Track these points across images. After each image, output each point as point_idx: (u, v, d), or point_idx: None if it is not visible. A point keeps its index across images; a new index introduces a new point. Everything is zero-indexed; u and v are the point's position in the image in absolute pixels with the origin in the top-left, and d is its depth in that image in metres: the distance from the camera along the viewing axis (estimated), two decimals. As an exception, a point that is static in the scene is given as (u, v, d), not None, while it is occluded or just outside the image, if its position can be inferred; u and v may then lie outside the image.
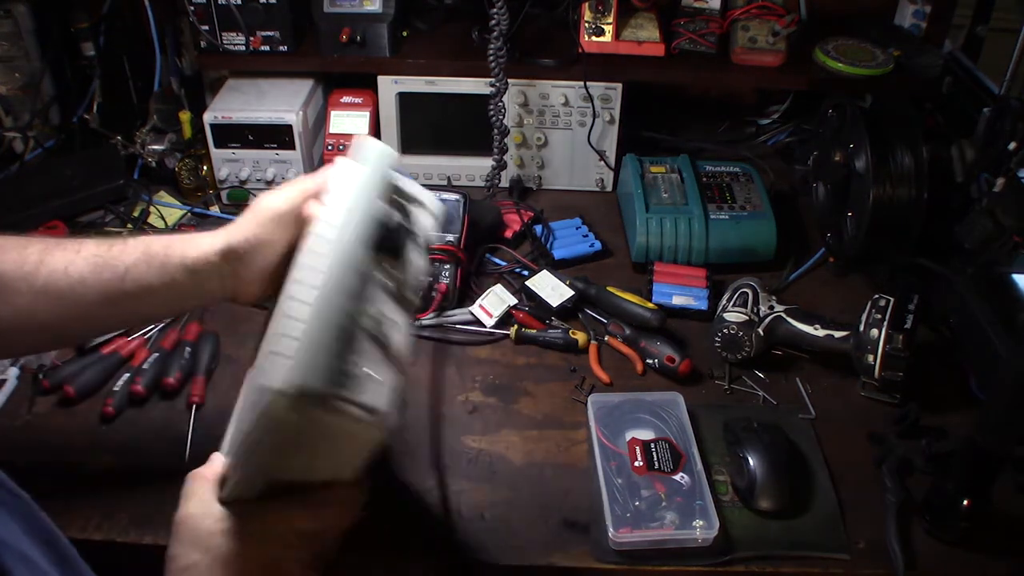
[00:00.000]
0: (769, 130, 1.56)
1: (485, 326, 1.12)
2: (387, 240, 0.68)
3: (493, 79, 1.26)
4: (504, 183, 1.40)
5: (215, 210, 1.34)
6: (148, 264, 0.73)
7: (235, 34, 1.32)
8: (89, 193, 1.29)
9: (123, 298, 0.73)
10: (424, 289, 1.14)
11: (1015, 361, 0.75)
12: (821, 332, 1.04)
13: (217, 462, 0.66)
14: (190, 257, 0.73)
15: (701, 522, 0.85)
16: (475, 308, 1.14)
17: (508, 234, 1.28)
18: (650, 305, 1.11)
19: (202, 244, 0.74)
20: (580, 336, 1.09)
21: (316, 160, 1.40)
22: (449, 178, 1.41)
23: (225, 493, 0.63)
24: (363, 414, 0.58)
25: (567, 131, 1.37)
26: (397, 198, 0.73)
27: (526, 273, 1.20)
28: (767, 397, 1.04)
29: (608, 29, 1.34)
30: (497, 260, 1.25)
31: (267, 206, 0.73)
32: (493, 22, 1.22)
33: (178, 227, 1.29)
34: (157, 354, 1.03)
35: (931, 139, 1.11)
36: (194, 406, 0.98)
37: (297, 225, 0.70)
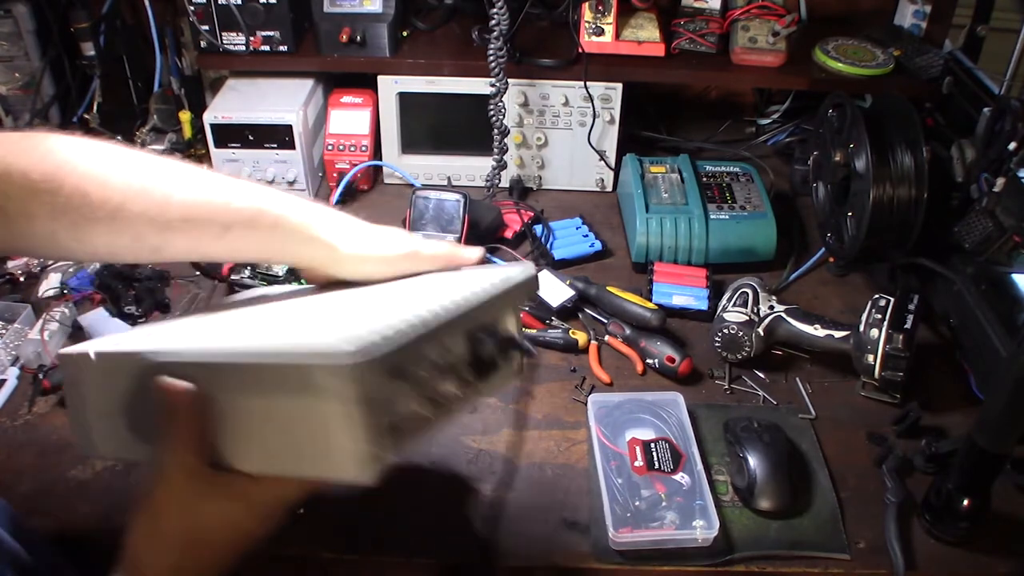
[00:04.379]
0: (769, 130, 1.56)
1: (485, 326, 1.12)
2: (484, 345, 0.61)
3: (493, 79, 1.26)
4: (504, 183, 1.40)
5: (215, 210, 1.34)
6: (251, 232, 0.65)
7: (235, 34, 1.32)
8: (89, 193, 1.29)
9: (215, 247, 0.65)
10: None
11: (1015, 361, 0.75)
12: (821, 332, 1.04)
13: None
14: (291, 250, 0.67)
15: (701, 522, 0.85)
16: (475, 308, 1.13)
17: (508, 234, 1.28)
18: (650, 305, 1.11)
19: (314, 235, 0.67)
20: (580, 336, 1.09)
21: (316, 160, 1.40)
22: (449, 178, 1.41)
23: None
24: (372, 435, 0.50)
25: (567, 131, 1.37)
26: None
27: (526, 273, 1.20)
28: (767, 397, 1.04)
29: (608, 29, 1.34)
30: (497, 260, 1.25)
31: (410, 243, 0.68)
32: (493, 22, 1.22)
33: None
34: (157, 354, 1.03)
35: (931, 139, 1.11)
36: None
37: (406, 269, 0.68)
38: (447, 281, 0.65)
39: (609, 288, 1.14)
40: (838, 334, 1.03)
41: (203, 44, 1.34)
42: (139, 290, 1.13)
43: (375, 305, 0.61)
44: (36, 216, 0.58)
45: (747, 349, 1.05)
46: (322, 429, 0.50)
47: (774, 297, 1.09)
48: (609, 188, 1.42)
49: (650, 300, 1.13)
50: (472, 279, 0.63)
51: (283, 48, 1.35)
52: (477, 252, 0.72)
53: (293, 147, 1.31)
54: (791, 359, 1.09)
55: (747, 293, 1.08)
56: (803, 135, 1.49)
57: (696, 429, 0.95)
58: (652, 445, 0.92)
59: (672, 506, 0.86)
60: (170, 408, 0.56)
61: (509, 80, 1.28)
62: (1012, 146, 1.06)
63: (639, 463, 0.90)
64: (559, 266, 1.23)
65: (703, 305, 1.13)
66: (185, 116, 1.36)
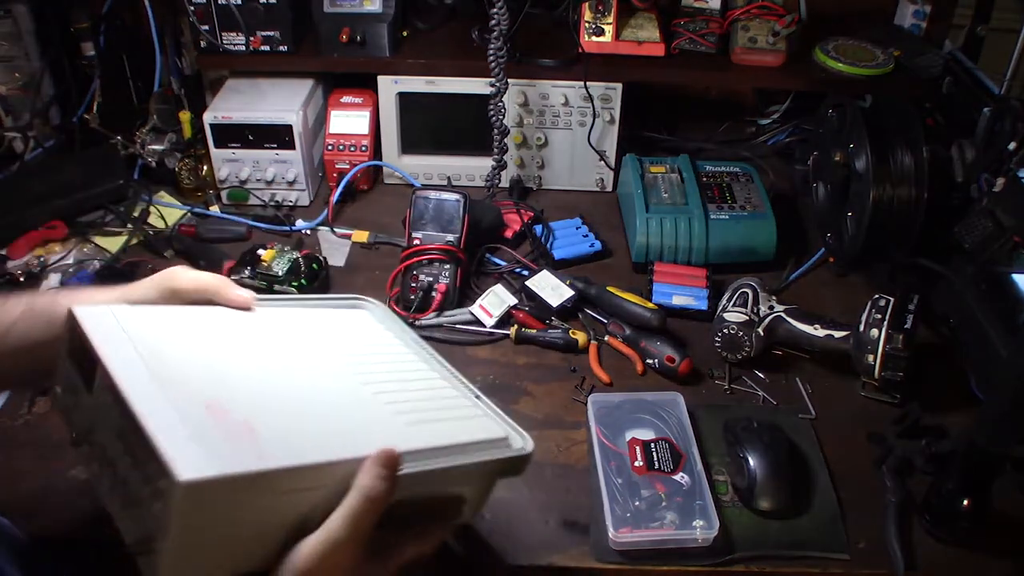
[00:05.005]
0: (769, 130, 1.56)
1: (485, 326, 1.12)
2: None
3: (493, 79, 1.26)
4: (504, 183, 1.40)
5: (215, 210, 1.34)
6: (33, 319, 0.72)
7: (235, 34, 1.32)
8: (89, 193, 1.29)
9: (8, 355, 0.71)
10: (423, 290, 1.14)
11: (1015, 361, 0.75)
12: (821, 332, 1.04)
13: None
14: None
15: (701, 522, 0.85)
16: (475, 308, 1.14)
17: (508, 234, 1.28)
18: (650, 305, 1.11)
19: (96, 298, 0.73)
20: (580, 336, 1.09)
21: (316, 160, 1.40)
22: (449, 178, 1.41)
23: None
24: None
25: (567, 131, 1.37)
26: None
27: (526, 273, 1.20)
28: (767, 397, 1.04)
29: (608, 29, 1.34)
30: (497, 260, 1.25)
31: (173, 278, 0.74)
32: (493, 22, 1.22)
33: (178, 227, 1.29)
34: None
35: (931, 139, 1.11)
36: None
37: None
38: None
39: (609, 288, 1.14)
40: (838, 334, 1.03)
41: (203, 44, 1.34)
42: (139, 290, 1.13)
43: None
44: None
45: (747, 349, 1.05)
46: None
47: (774, 297, 1.09)
48: (609, 188, 1.42)
49: (650, 300, 1.13)
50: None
51: (283, 48, 1.35)
52: (246, 297, 0.75)
53: (293, 147, 1.31)
54: (791, 359, 1.09)
55: (747, 293, 1.08)
56: (803, 135, 1.49)
57: (696, 429, 0.95)
58: (652, 445, 0.92)
59: (672, 506, 0.86)
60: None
61: (509, 80, 1.28)
62: (1012, 146, 1.07)
63: (639, 463, 0.90)
64: (559, 266, 1.23)
65: (703, 305, 1.13)
66: (185, 116, 1.36)
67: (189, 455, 0.49)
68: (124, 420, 0.53)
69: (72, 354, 0.63)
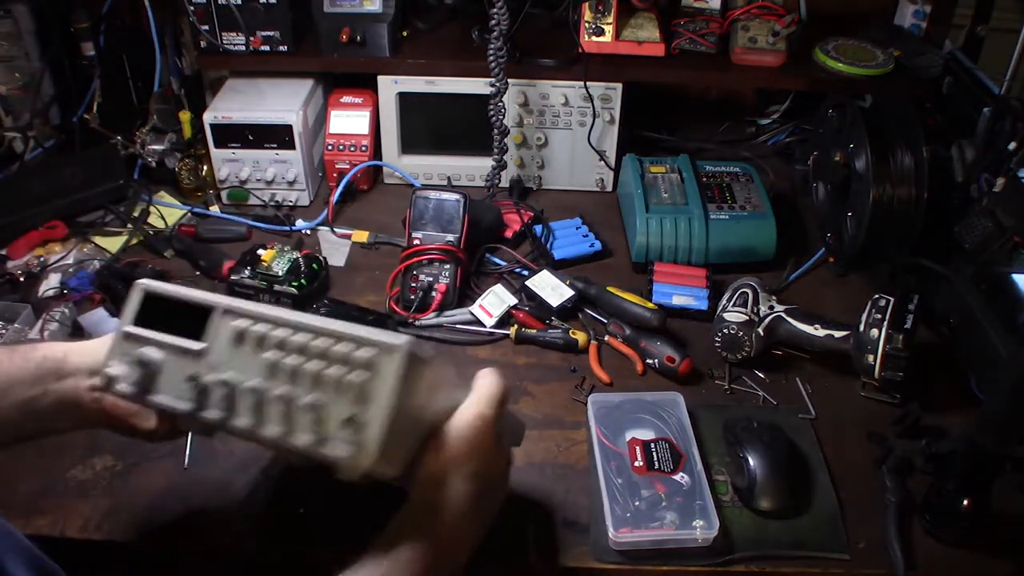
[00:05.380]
0: (769, 130, 1.56)
1: (485, 326, 1.12)
2: None
3: (493, 79, 1.26)
4: (504, 183, 1.40)
5: (215, 210, 1.34)
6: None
7: (235, 34, 1.32)
8: (89, 193, 1.29)
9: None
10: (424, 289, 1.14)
11: (1015, 361, 0.75)
12: (821, 332, 1.04)
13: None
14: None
15: (701, 522, 0.85)
16: (475, 308, 1.14)
17: (508, 234, 1.28)
18: (650, 305, 1.11)
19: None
20: (580, 336, 1.09)
21: (316, 160, 1.40)
22: (449, 178, 1.41)
23: None
24: None
25: (567, 131, 1.37)
26: None
27: (526, 273, 1.20)
28: (767, 397, 1.04)
29: (608, 29, 1.34)
30: (497, 260, 1.25)
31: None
32: (493, 22, 1.22)
33: (178, 227, 1.29)
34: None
35: (931, 139, 1.11)
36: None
37: None
38: None
39: (609, 288, 1.14)
40: (838, 334, 1.03)
41: (203, 44, 1.34)
42: (139, 290, 1.13)
43: None
44: None
45: (747, 349, 1.05)
46: None
47: (774, 297, 1.09)
48: (609, 188, 1.42)
49: (650, 300, 1.13)
50: None
51: (283, 48, 1.35)
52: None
53: (293, 147, 1.31)
54: (791, 359, 1.09)
55: (747, 293, 1.08)
56: (803, 135, 1.49)
57: (696, 429, 0.95)
58: (652, 445, 0.92)
59: (672, 506, 0.86)
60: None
61: (509, 80, 1.28)
62: (1012, 146, 1.07)
63: (639, 463, 0.90)
64: (559, 266, 1.23)
65: (703, 305, 1.13)
66: (185, 116, 1.36)
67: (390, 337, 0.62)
68: (303, 336, 0.64)
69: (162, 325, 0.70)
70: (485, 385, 0.71)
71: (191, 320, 0.69)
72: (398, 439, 0.63)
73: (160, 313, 0.71)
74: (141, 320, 0.71)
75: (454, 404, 0.70)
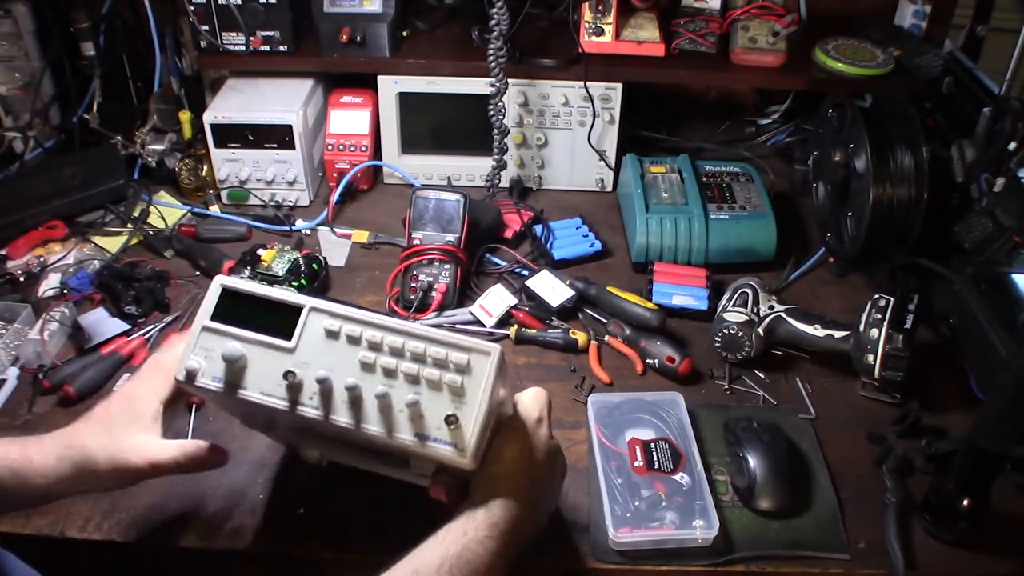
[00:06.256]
0: (769, 130, 1.56)
1: (485, 326, 1.12)
2: None
3: (493, 79, 1.26)
4: (504, 183, 1.40)
5: (215, 210, 1.34)
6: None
7: (235, 34, 1.32)
8: (89, 193, 1.29)
9: None
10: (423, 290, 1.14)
11: (1015, 361, 0.75)
12: (821, 332, 1.04)
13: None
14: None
15: (701, 522, 0.85)
16: (475, 308, 1.14)
17: (508, 234, 1.28)
18: (650, 305, 1.11)
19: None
20: (580, 336, 1.09)
21: (316, 160, 1.40)
22: (449, 178, 1.41)
23: None
24: None
25: (567, 131, 1.37)
26: None
27: (526, 273, 1.20)
28: (767, 397, 1.04)
29: (608, 29, 1.34)
30: (497, 260, 1.25)
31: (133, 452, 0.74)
32: (493, 22, 1.22)
33: (178, 227, 1.29)
34: (157, 354, 1.03)
35: (931, 139, 1.11)
36: (193, 406, 0.98)
37: None
38: None
39: (609, 288, 1.14)
40: (838, 334, 1.03)
41: (203, 44, 1.34)
42: (139, 290, 1.13)
43: None
44: None
45: (747, 349, 1.05)
46: None
47: (774, 297, 1.09)
48: (609, 188, 1.42)
49: (650, 300, 1.13)
50: None
51: (283, 48, 1.35)
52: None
53: (293, 147, 1.31)
54: (791, 359, 1.09)
55: (747, 293, 1.08)
56: (803, 135, 1.49)
57: (696, 429, 0.95)
58: (652, 445, 0.92)
59: (672, 506, 0.86)
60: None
61: (509, 80, 1.28)
62: (1012, 146, 1.06)
63: (639, 463, 0.90)
64: (559, 266, 1.23)
65: (703, 305, 1.13)
66: (185, 116, 1.36)
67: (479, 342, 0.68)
68: (396, 337, 0.68)
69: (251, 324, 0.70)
70: (535, 391, 0.78)
71: (268, 317, 0.70)
72: (484, 435, 0.68)
73: (234, 309, 0.71)
74: (217, 316, 0.71)
75: (507, 402, 0.75)
